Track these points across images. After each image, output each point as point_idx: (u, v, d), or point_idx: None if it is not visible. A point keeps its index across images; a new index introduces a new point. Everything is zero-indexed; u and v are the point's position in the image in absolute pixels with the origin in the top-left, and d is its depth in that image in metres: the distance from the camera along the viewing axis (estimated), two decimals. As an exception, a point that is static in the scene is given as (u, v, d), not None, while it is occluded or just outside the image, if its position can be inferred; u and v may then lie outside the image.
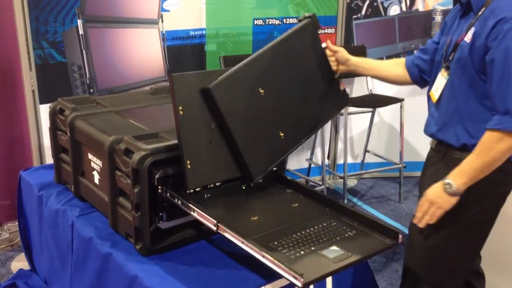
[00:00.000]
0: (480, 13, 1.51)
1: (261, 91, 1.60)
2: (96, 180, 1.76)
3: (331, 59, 1.83)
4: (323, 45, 1.82)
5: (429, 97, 1.70)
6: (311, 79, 1.73)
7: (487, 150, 1.46)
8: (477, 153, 1.48)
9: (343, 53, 1.83)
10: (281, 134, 1.64)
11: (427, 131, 1.71)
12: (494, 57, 1.43)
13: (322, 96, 1.76)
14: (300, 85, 1.70)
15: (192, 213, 1.46)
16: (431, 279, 1.71)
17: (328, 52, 1.83)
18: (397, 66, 1.86)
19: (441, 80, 1.62)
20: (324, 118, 1.84)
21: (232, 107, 1.53)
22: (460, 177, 1.50)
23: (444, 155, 1.63)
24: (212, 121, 1.51)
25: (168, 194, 1.51)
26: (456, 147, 1.59)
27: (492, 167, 1.49)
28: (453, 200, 1.52)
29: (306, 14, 1.77)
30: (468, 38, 1.51)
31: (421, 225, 1.59)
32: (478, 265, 1.94)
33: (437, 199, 1.53)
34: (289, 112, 1.67)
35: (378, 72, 1.89)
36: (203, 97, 1.48)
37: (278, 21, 3.43)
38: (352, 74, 3.55)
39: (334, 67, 1.84)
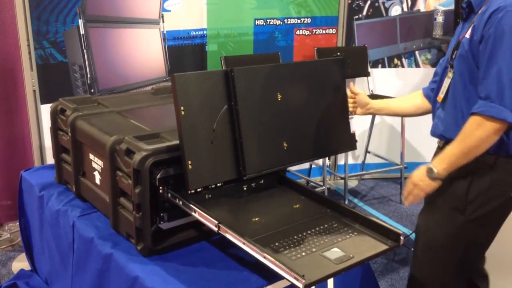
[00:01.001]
0: (479, 11, 1.55)
1: (279, 96, 1.63)
2: (97, 181, 1.76)
3: (350, 101, 1.89)
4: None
5: (435, 102, 1.72)
6: (326, 110, 1.76)
7: (467, 135, 1.49)
8: (458, 139, 1.51)
9: (363, 96, 1.91)
10: (285, 145, 1.64)
11: (435, 133, 1.72)
12: (486, 43, 1.47)
13: (331, 131, 1.78)
14: (315, 110, 1.73)
15: (193, 213, 1.46)
16: (437, 278, 1.72)
17: (349, 93, 1.88)
18: (415, 99, 1.90)
19: (446, 81, 1.65)
20: (326, 152, 1.88)
21: (247, 96, 1.55)
22: (441, 162, 1.54)
23: None
24: (214, 119, 1.51)
25: (169, 195, 1.50)
26: None
27: (472, 154, 1.50)
28: (434, 184, 1.56)
29: (338, 54, 1.87)
30: (468, 34, 1.56)
31: (407, 203, 1.66)
32: (482, 266, 1.94)
33: (419, 182, 1.59)
34: (298, 127, 1.68)
35: (400, 112, 1.98)
36: (224, 81, 1.52)
37: (279, 21, 3.43)
38: (352, 74, 3.58)
39: (351, 109, 1.90)
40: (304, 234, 1.45)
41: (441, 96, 1.67)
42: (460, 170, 1.55)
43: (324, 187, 3.42)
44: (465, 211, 1.59)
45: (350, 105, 1.89)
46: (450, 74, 1.62)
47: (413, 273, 1.80)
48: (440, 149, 1.69)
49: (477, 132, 1.47)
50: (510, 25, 1.43)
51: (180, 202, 1.48)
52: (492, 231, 1.68)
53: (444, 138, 1.66)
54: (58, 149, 1.98)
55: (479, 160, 1.52)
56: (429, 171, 1.55)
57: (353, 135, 1.85)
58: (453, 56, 1.61)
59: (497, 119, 1.44)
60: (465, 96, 1.57)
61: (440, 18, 3.62)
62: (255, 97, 1.57)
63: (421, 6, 3.67)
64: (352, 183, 3.84)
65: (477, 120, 1.47)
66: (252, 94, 1.56)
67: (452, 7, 3.60)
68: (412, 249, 1.82)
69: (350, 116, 1.86)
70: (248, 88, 1.55)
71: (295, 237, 1.43)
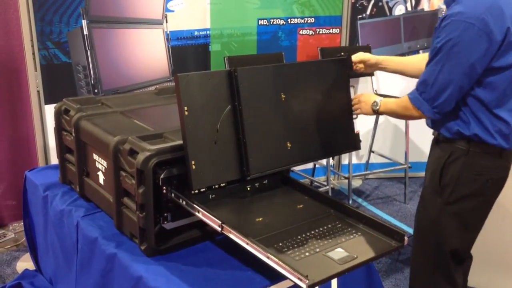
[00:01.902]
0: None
1: (283, 96, 1.63)
2: (101, 181, 1.76)
3: (360, 66, 1.94)
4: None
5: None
6: (330, 110, 1.77)
7: (402, 107, 1.74)
8: (398, 103, 1.76)
9: (362, 56, 1.94)
10: (288, 145, 1.65)
11: (430, 125, 1.84)
12: (432, 46, 1.65)
13: (335, 131, 1.79)
14: (319, 110, 1.74)
15: (196, 213, 1.46)
16: (431, 261, 1.81)
17: (356, 62, 1.93)
18: (420, 63, 1.91)
19: None
20: (330, 152, 1.89)
21: (251, 96, 1.55)
22: (384, 106, 1.79)
23: (436, 140, 1.81)
24: (218, 119, 1.50)
25: (172, 195, 1.51)
26: (442, 133, 1.74)
27: (399, 118, 1.91)
28: (370, 112, 1.82)
29: (342, 54, 1.87)
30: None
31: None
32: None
33: (362, 102, 1.83)
34: (302, 127, 1.69)
35: (401, 69, 2.02)
36: (227, 81, 1.53)
37: (283, 21, 3.42)
38: (356, 74, 3.57)
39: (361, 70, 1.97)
40: (308, 234, 1.44)
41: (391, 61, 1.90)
42: (439, 155, 1.74)
43: (328, 187, 3.42)
44: (442, 193, 1.72)
45: (360, 66, 1.94)
46: None
47: (411, 263, 1.92)
48: (436, 139, 1.81)
49: (402, 111, 1.75)
50: (451, 34, 1.56)
51: (184, 202, 1.48)
52: (477, 215, 1.77)
53: (431, 127, 1.80)
54: (62, 149, 1.98)
55: (454, 145, 1.69)
56: (375, 103, 1.80)
57: (357, 135, 1.87)
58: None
59: (418, 109, 1.68)
60: None
61: (444, 17, 3.60)
62: (259, 97, 1.57)
63: (425, 6, 3.66)
64: (356, 183, 3.84)
65: (407, 102, 1.70)
66: (255, 94, 1.56)
67: (456, 6, 3.58)
68: None
69: (354, 117, 1.87)
70: (251, 88, 1.55)
71: (299, 237, 1.42)
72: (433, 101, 1.63)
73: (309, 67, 1.75)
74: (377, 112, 1.81)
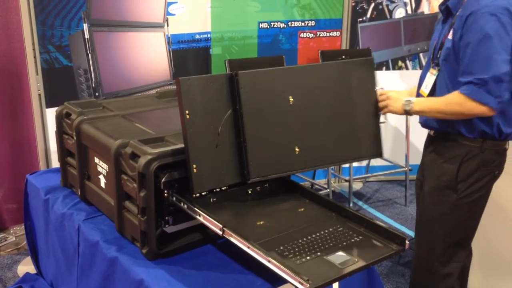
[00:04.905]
0: (457, 13, 1.73)
1: (291, 99, 1.59)
2: (102, 184, 1.76)
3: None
4: (377, 88, 1.81)
5: (419, 95, 1.87)
6: (351, 113, 1.69)
7: (454, 104, 1.67)
8: (445, 101, 1.70)
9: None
10: (296, 150, 1.61)
11: (426, 123, 1.87)
12: (469, 40, 1.64)
13: (356, 135, 1.71)
14: (337, 113, 1.67)
15: (198, 217, 1.46)
16: (435, 254, 1.87)
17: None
18: None
19: (430, 77, 1.82)
20: (348, 157, 1.77)
21: (252, 99, 1.53)
22: (421, 105, 1.74)
23: (444, 142, 1.82)
24: (219, 122, 1.51)
25: (174, 198, 1.51)
26: (453, 134, 1.78)
27: (444, 118, 1.75)
28: (400, 111, 1.75)
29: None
30: (450, 35, 1.74)
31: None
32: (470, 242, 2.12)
33: (391, 99, 1.76)
34: (313, 132, 1.63)
35: None
36: (228, 85, 1.51)
37: (283, 24, 3.43)
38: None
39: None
40: (309, 237, 1.44)
41: (425, 91, 1.84)
42: (452, 153, 1.78)
43: (328, 190, 3.41)
44: (457, 190, 1.78)
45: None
46: (434, 71, 1.80)
47: (415, 258, 1.97)
48: (431, 137, 1.88)
49: (455, 108, 1.68)
50: (483, 27, 1.61)
51: (185, 206, 1.48)
52: (481, 206, 1.87)
53: (436, 128, 1.83)
54: (63, 152, 1.98)
55: (469, 144, 1.75)
56: (407, 102, 1.74)
57: (380, 141, 1.75)
58: (438, 56, 1.78)
59: (479, 102, 1.63)
60: (450, 91, 1.73)
61: (444, 20, 3.61)
62: (261, 101, 1.56)
63: (425, 9, 3.67)
64: (357, 186, 3.83)
65: (461, 98, 1.65)
66: (257, 97, 1.55)
67: (456, 9, 3.59)
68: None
69: (382, 121, 1.80)
70: (253, 92, 1.54)
71: (300, 241, 1.42)
72: (495, 91, 1.61)
73: (329, 67, 1.69)
74: (408, 112, 1.75)
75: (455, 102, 1.67)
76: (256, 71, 1.57)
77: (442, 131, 1.81)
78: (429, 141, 1.90)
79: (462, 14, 1.69)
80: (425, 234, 1.91)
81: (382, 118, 1.86)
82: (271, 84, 1.58)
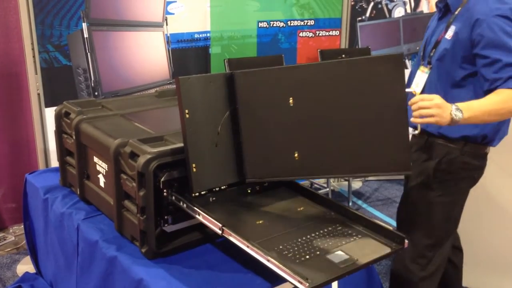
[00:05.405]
0: (456, 12, 1.70)
1: (291, 101, 1.47)
2: (102, 183, 1.76)
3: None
4: (408, 90, 1.57)
5: (409, 93, 1.77)
6: (370, 120, 1.42)
7: (507, 101, 1.57)
8: (499, 101, 1.57)
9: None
10: (296, 155, 1.49)
11: (411, 124, 1.76)
12: (484, 44, 1.61)
13: (376, 146, 1.43)
14: (350, 119, 1.43)
15: (197, 216, 1.46)
16: (419, 248, 1.86)
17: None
18: None
19: (421, 75, 1.80)
20: (364, 170, 1.50)
21: (249, 99, 1.51)
22: (470, 110, 1.55)
23: (426, 142, 1.82)
24: (218, 122, 1.50)
25: (173, 198, 1.51)
26: (436, 135, 1.77)
27: (493, 120, 1.62)
28: (448, 121, 1.52)
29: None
30: (448, 35, 1.71)
31: (415, 117, 1.54)
32: (457, 241, 2.15)
33: (442, 107, 1.52)
34: (316, 138, 1.46)
35: None
36: (228, 85, 1.48)
37: (283, 23, 3.43)
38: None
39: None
40: (308, 237, 1.44)
41: (415, 89, 1.76)
42: (431, 153, 1.78)
43: (328, 189, 3.42)
44: (434, 189, 1.79)
45: None
46: (425, 69, 1.78)
47: (395, 257, 1.98)
48: (414, 137, 1.84)
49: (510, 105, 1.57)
50: (496, 29, 1.59)
51: (184, 205, 1.48)
52: (458, 210, 1.87)
53: (424, 130, 1.80)
54: (63, 152, 1.98)
55: (449, 145, 1.75)
56: (456, 112, 1.52)
57: (408, 154, 1.45)
58: (431, 54, 1.76)
59: None
60: (443, 89, 1.72)
61: (443, 20, 3.61)
62: (259, 101, 1.53)
63: (424, 8, 3.67)
64: (356, 185, 3.84)
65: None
66: (254, 97, 1.53)
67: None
68: None
69: (411, 132, 1.58)
70: (249, 91, 1.52)
71: (299, 240, 1.42)
72: None
73: (343, 66, 1.44)
74: (457, 122, 1.53)
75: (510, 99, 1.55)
76: (253, 70, 1.54)
77: (425, 131, 1.80)
78: (413, 141, 1.88)
79: (463, 14, 1.67)
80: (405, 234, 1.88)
81: (411, 129, 1.60)
82: (269, 84, 1.51)
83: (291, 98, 1.49)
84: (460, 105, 1.55)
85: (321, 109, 1.46)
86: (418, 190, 1.84)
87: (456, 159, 1.76)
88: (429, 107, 1.51)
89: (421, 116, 1.53)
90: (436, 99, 1.52)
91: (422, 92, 1.80)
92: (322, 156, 1.49)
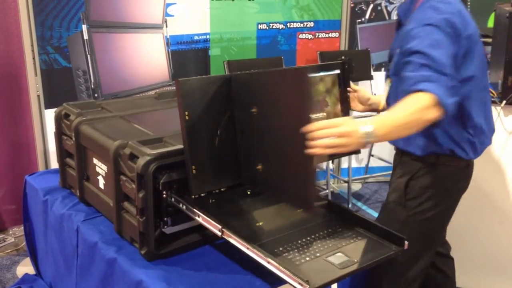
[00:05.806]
0: (406, 24, 1.62)
1: (254, 110, 1.42)
2: (101, 185, 1.76)
3: (352, 98, 1.84)
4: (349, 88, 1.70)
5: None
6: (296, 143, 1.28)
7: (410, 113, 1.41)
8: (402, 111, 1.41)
9: (363, 92, 1.87)
10: (259, 167, 1.45)
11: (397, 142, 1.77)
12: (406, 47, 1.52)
13: (292, 174, 1.34)
14: (294, 128, 1.28)
15: (197, 218, 1.46)
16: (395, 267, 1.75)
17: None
18: None
19: (386, 89, 1.78)
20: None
21: (242, 102, 1.49)
22: (383, 128, 1.36)
23: (401, 158, 1.77)
24: (218, 124, 1.50)
25: (172, 199, 1.51)
26: (406, 152, 1.72)
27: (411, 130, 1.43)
28: (361, 146, 1.35)
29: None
30: (398, 48, 1.63)
31: (313, 148, 1.27)
32: (447, 250, 2.05)
33: (348, 134, 1.31)
34: (274, 150, 1.39)
35: None
36: (227, 86, 1.47)
37: (282, 25, 3.43)
38: (355, 78, 3.58)
39: (353, 105, 1.85)
40: (308, 238, 1.44)
41: (383, 103, 1.79)
42: (404, 169, 1.72)
43: (327, 191, 3.42)
44: (407, 206, 1.72)
45: (353, 104, 1.85)
46: (388, 82, 1.74)
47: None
48: (397, 154, 1.79)
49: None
50: (422, 34, 1.49)
51: (184, 207, 1.48)
52: (440, 224, 1.80)
53: (395, 144, 1.76)
54: (62, 153, 1.98)
55: (421, 160, 1.67)
56: (367, 133, 1.32)
57: (313, 195, 1.34)
58: (389, 67, 1.72)
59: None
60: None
61: (443, 21, 3.61)
62: (249, 105, 1.48)
63: (424, 10, 3.67)
64: (356, 187, 3.84)
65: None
66: (246, 100, 1.49)
67: (455, 10, 3.59)
68: None
69: (321, 166, 1.67)
70: (243, 94, 1.50)
71: (299, 241, 1.42)
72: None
73: (289, 74, 1.38)
74: (372, 142, 1.35)
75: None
76: (248, 72, 1.52)
77: (397, 148, 1.76)
78: (394, 157, 1.83)
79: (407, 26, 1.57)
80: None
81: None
82: (259, 88, 1.45)
83: (255, 106, 1.43)
84: (375, 121, 1.35)
85: (277, 118, 1.37)
86: (392, 207, 1.77)
87: (429, 174, 1.68)
88: (331, 135, 1.29)
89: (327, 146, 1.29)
90: (343, 126, 1.30)
91: (388, 105, 1.73)
92: (276, 173, 1.41)
